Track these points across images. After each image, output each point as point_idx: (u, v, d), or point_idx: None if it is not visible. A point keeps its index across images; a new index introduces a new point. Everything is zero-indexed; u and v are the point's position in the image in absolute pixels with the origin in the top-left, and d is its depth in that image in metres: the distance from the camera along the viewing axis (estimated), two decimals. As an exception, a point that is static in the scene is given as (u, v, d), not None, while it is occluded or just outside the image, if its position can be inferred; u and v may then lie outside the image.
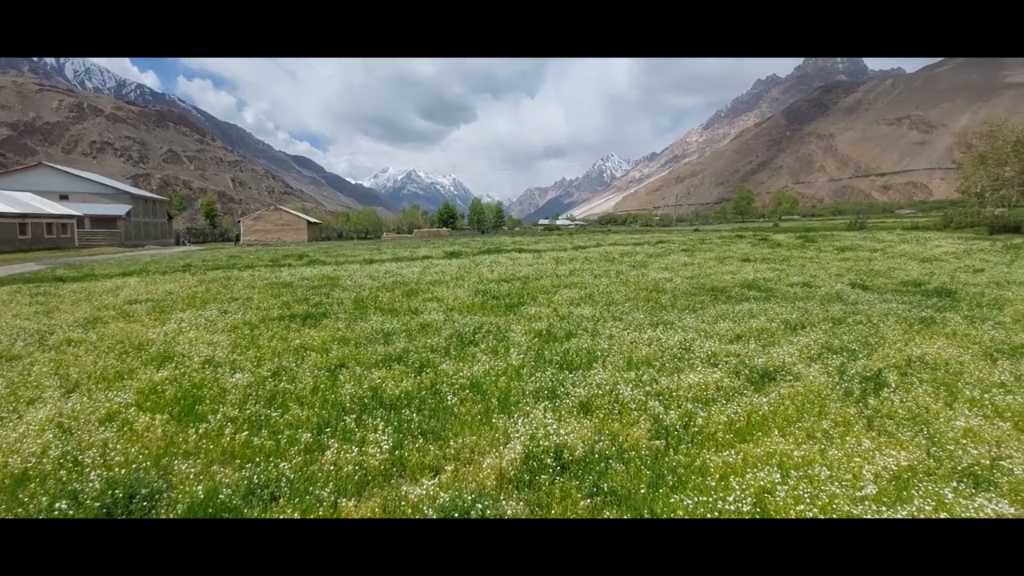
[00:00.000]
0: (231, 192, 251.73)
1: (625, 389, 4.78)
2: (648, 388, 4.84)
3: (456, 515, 2.99)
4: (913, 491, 3.10)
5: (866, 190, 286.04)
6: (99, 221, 54.80)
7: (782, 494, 3.08)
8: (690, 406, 4.43)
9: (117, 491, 3.21)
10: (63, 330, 7.88)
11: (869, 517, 2.89)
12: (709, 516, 2.96)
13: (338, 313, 9.03)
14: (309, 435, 4.01)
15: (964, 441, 3.69)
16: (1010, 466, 3.34)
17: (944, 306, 8.39)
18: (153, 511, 3.15)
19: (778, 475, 3.28)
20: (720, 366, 5.49)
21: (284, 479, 3.42)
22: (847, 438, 3.81)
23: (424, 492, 3.25)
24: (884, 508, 2.96)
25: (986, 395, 4.51)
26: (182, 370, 5.73)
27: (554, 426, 4.02)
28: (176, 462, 3.67)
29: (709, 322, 7.59)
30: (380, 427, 4.12)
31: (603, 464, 3.56)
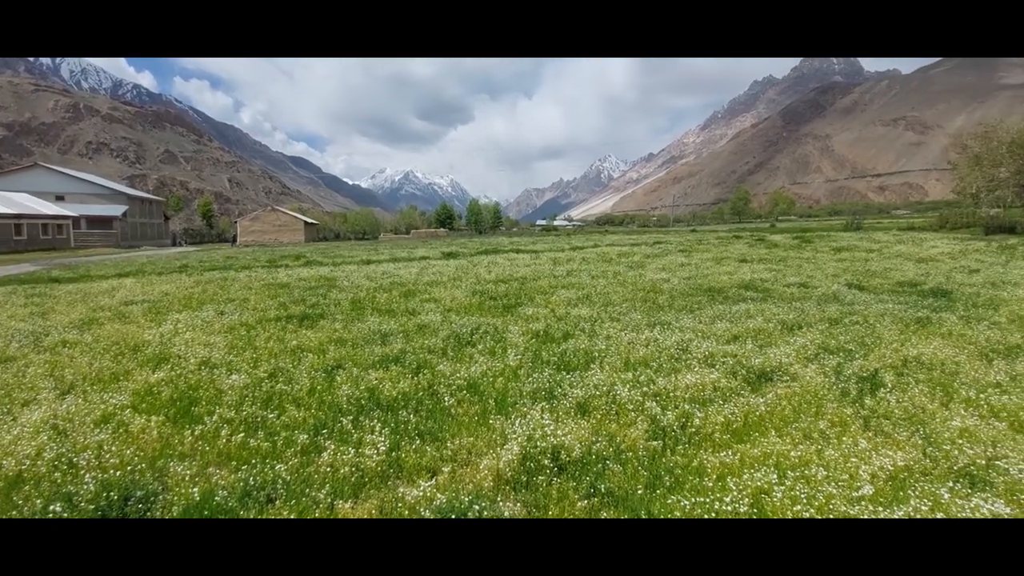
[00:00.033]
0: (228, 193, 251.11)
1: (622, 390, 4.77)
2: (645, 389, 4.84)
3: (453, 517, 2.98)
4: (909, 491, 3.10)
5: (862, 191, 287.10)
6: (95, 222, 54.59)
7: (779, 495, 3.09)
8: (687, 407, 4.43)
9: (112, 493, 3.20)
10: (58, 331, 7.85)
11: (866, 517, 2.90)
12: (706, 517, 2.96)
13: (335, 314, 9.01)
14: (306, 437, 4.00)
15: (960, 441, 3.70)
16: (1006, 466, 3.35)
17: (940, 306, 8.42)
18: (148, 514, 3.13)
19: (775, 476, 3.28)
20: (717, 366, 5.50)
21: (280, 481, 3.40)
22: (844, 438, 3.82)
23: (421, 494, 3.24)
24: (881, 508, 2.96)
25: (982, 395, 4.53)
26: (178, 371, 5.71)
27: (551, 427, 4.01)
28: (172, 464, 3.65)
29: (706, 322, 7.60)
30: (377, 428, 4.11)
31: (600, 465, 3.55)
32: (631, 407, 4.46)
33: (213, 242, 74.97)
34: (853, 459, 3.49)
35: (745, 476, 3.31)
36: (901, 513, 2.91)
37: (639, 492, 3.23)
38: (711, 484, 3.30)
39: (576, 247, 28.91)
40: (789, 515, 2.95)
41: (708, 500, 3.07)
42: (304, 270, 18.04)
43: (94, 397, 4.91)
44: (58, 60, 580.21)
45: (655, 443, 3.86)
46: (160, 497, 3.27)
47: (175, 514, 3.11)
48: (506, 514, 3.09)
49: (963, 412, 4.19)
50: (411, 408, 4.58)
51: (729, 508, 3.00)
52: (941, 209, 66.75)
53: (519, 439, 3.82)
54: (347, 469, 3.54)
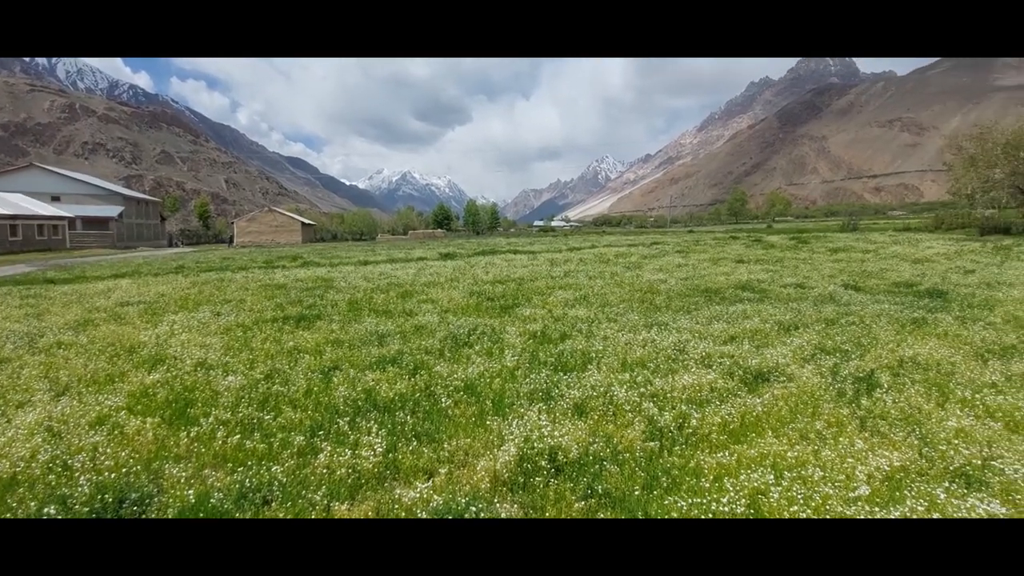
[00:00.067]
0: (225, 193, 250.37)
1: (619, 391, 4.77)
2: (642, 389, 4.84)
3: (449, 518, 2.97)
4: (906, 491, 3.11)
5: (858, 192, 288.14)
6: (91, 223, 54.36)
7: (776, 495, 3.09)
8: (684, 407, 4.43)
9: (107, 496, 3.18)
10: (53, 333, 7.81)
11: (862, 518, 2.90)
12: (703, 517, 2.96)
13: (332, 315, 8.99)
14: (302, 438, 3.99)
15: (956, 441, 3.71)
16: (1001, 466, 3.36)
17: (936, 307, 8.45)
18: (143, 516, 3.11)
19: (772, 476, 3.29)
20: (714, 367, 5.50)
21: (276, 483, 3.39)
22: (840, 439, 3.83)
23: (418, 495, 3.24)
24: (877, 509, 2.97)
25: (977, 395, 4.54)
26: (174, 373, 5.68)
27: (548, 428, 4.01)
28: (167, 466, 3.63)
29: (703, 323, 7.61)
30: (374, 430, 4.10)
31: (597, 466, 3.55)
32: (628, 408, 4.46)
33: (210, 243, 74.73)
34: (849, 459, 3.49)
35: (742, 477, 3.31)
36: (897, 513, 2.91)
37: (636, 493, 3.23)
38: (708, 485, 3.30)
39: (573, 248, 28.93)
40: (786, 515, 2.95)
41: (705, 501, 3.08)
42: (301, 271, 18.01)
43: (89, 399, 4.89)
44: (54, 60, 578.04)
45: (652, 444, 3.86)
46: (155, 499, 3.26)
47: (170, 516, 3.09)
48: (503, 516, 3.08)
49: (959, 412, 4.21)
50: (408, 409, 4.57)
51: (726, 509, 3.00)
52: (937, 210, 67.10)
53: (516, 440, 3.81)
54: (343, 471, 3.53)
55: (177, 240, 74.39)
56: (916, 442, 3.76)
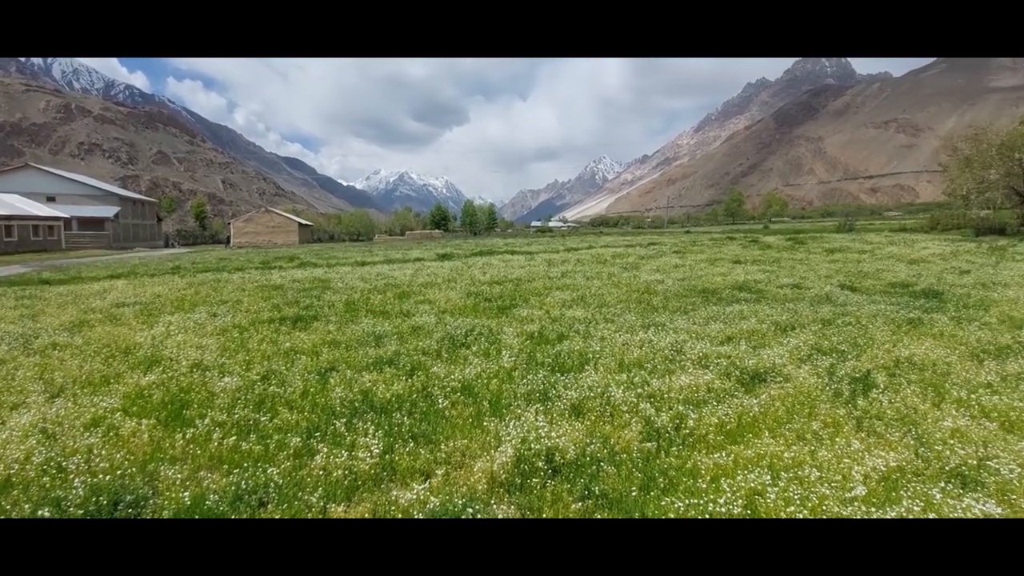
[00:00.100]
0: (221, 194, 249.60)
1: (616, 391, 4.78)
2: (639, 390, 4.84)
3: (446, 519, 2.96)
4: (902, 492, 3.12)
5: (854, 192, 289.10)
6: (87, 223, 54.13)
7: (772, 495, 3.09)
8: (681, 408, 4.44)
9: (101, 498, 3.16)
10: (48, 334, 7.76)
11: (859, 518, 2.91)
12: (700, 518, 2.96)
13: (329, 316, 8.97)
14: (298, 439, 3.97)
15: (952, 441, 3.72)
16: (997, 466, 3.37)
17: (931, 307, 8.48)
18: (138, 518, 3.10)
19: (768, 477, 3.29)
20: (711, 368, 5.51)
21: (272, 484, 3.38)
22: (837, 439, 3.83)
23: (414, 496, 3.23)
24: (873, 509, 2.97)
25: (973, 395, 4.56)
26: (170, 374, 5.66)
27: (545, 429, 4.01)
28: (162, 468, 3.61)
29: (700, 324, 7.62)
30: (370, 431, 4.09)
31: (594, 467, 3.55)
32: (625, 409, 4.46)
33: (206, 243, 74.51)
34: (846, 460, 3.50)
35: (739, 477, 3.32)
36: (894, 513, 2.92)
37: (633, 494, 3.23)
38: (705, 485, 3.30)
39: (571, 248, 28.94)
40: (783, 516, 2.95)
41: (702, 501, 3.08)
42: (298, 271, 17.96)
43: (84, 400, 4.86)
44: (49, 60, 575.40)
45: (649, 445, 3.86)
46: (150, 501, 3.24)
47: (165, 518, 3.07)
48: (500, 517, 3.07)
49: (954, 412, 4.22)
50: (405, 410, 4.56)
51: (723, 509, 3.00)
52: (932, 211, 67.33)
53: (513, 441, 3.81)
54: (340, 472, 3.52)
55: (174, 241, 74.16)
56: (912, 442, 3.77)
